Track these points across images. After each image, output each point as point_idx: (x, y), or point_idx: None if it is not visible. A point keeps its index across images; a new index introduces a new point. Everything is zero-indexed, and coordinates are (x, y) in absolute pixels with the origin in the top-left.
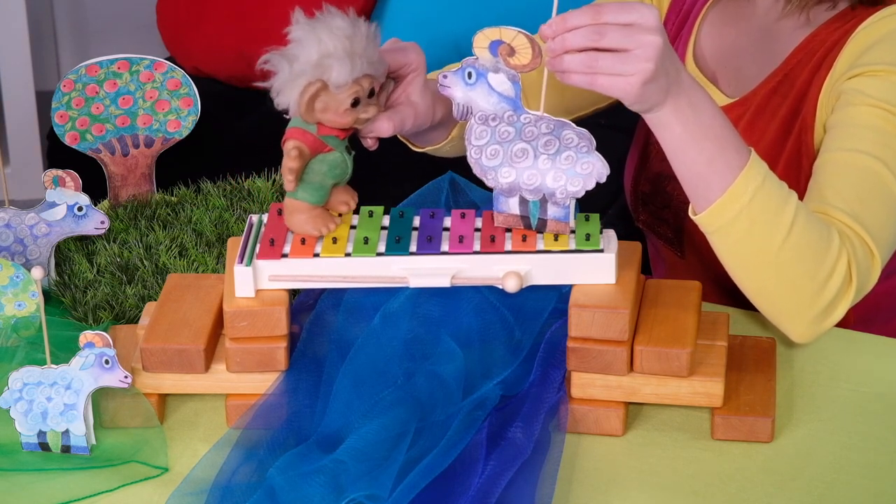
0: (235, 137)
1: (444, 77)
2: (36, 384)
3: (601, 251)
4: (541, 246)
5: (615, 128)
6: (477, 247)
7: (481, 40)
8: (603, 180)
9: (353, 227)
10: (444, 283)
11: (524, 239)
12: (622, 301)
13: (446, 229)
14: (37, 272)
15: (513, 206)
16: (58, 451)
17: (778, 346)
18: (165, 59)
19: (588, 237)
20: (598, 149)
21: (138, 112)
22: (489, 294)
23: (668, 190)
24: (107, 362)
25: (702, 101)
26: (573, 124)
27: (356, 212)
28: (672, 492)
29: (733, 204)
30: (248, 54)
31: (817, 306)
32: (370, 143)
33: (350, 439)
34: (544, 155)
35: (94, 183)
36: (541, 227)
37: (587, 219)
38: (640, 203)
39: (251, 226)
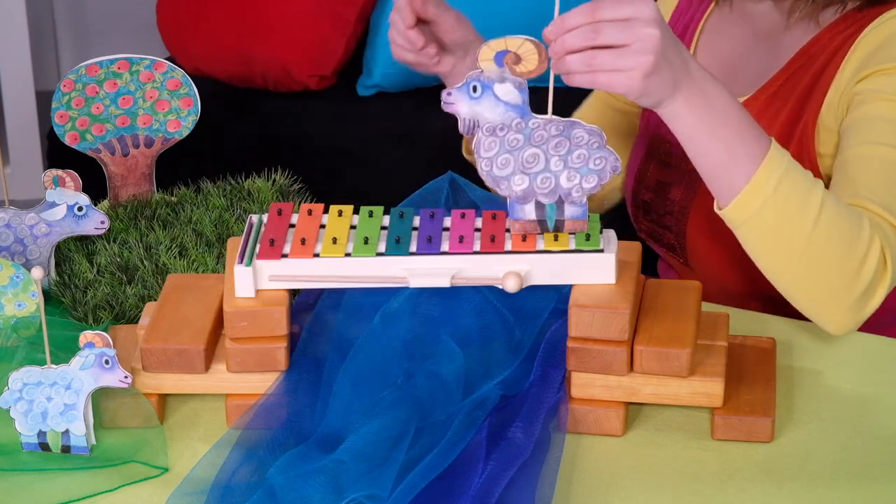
0: (235, 137)
1: (448, 94)
2: (36, 384)
3: (601, 251)
4: (541, 246)
5: None
6: (477, 247)
7: (487, 53)
8: (618, 172)
9: (353, 227)
10: (444, 283)
11: (524, 239)
12: (622, 301)
13: (446, 229)
14: (37, 272)
15: (529, 212)
16: (58, 451)
17: (778, 346)
18: (165, 59)
19: (588, 237)
20: None
21: (138, 112)
22: (489, 294)
23: (669, 196)
24: (107, 362)
25: (715, 91)
26: (583, 122)
27: (356, 212)
28: (672, 492)
29: (758, 193)
30: (248, 54)
31: (854, 293)
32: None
33: (350, 439)
34: (556, 157)
35: (94, 183)
36: (559, 227)
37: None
38: (641, 212)
39: (251, 226)
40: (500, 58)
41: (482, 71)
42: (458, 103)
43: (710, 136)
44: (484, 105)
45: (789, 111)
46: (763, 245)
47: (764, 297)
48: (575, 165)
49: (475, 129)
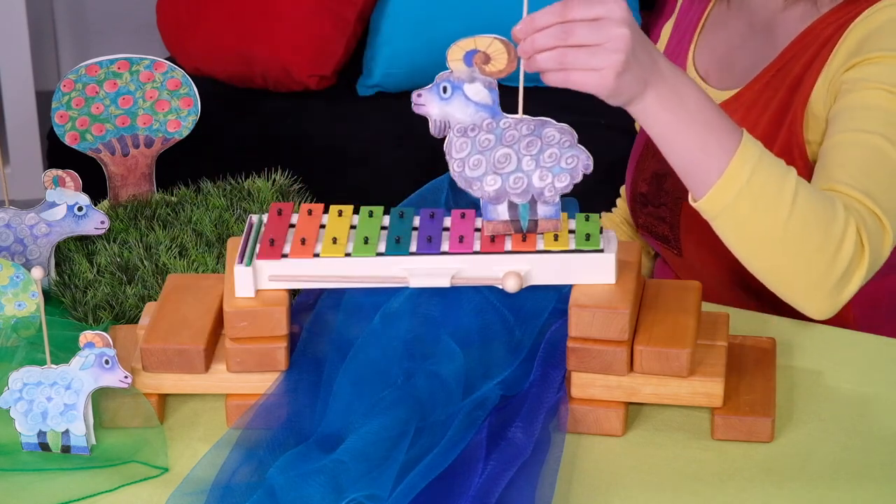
0: (235, 137)
1: (419, 95)
2: (36, 384)
3: (601, 251)
4: (541, 246)
5: (615, 128)
6: (477, 247)
7: (455, 52)
8: (589, 171)
9: (353, 227)
10: (444, 283)
11: (524, 239)
12: (622, 301)
13: (446, 229)
14: (37, 272)
15: (501, 212)
16: (58, 451)
17: (778, 346)
18: (165, 59)
19: (588, 237)
20: (599, 149)
21: (138, 112)
22: (489, 294)
23: (665, 187)
24: (107, 362)
25: (685, 87)
26: (554, 121)
27: (356, 212)
28: (672, 492)
29: (732, 185)
30: (248, 54)
31: (832, 277)
32: None
33: (350, 439)
34: (528, 156)
35: (94, 183)
36: (532, 228)
37: (587, 219)
38: (638, 204)
39: (251, 226)
40: (469, 57)
41: (451, 71)
42: (428, 104)
43: (682, 133)
44: (454, 106)
45: (780, 100)
46: (739, 235)
47: (756, 290)
48: (547, 165)
49: (446, 130)
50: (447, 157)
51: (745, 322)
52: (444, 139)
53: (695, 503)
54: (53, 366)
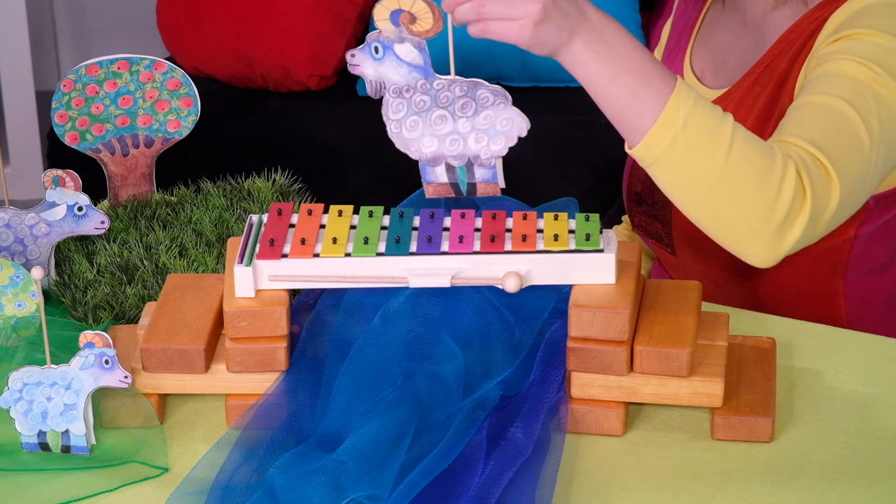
0: (235, 137)
1: (352, 56)
2: (36, 384)
3: (601, 251)
4: (541, 246)
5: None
6: (477, 247)
7: (381, 12)
8: (524, 133)
9: (353, 227)
10: (444, 283)
11: (524, 239)
12: (622, 301)
13: (446, 229)
14: (37, 272)
15: (440, 174)
16: (58, 451)
17: (778, 346)
18: (165, 59)
19: (588, 237)
20: (598, 149)
21: (138, 112)
22: (489, 294)
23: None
24: (107, 362)
25: (615, 36)
26: (486, 83)
27: (356, 212)
28: (672, 492)
29: (667, 130)
30: (248, 54)
31: (773, 223)
32: None
33: (350, 439)
34: (463, 118)
35: (94, 183)
36: (471, 191)
37: (587, 219)
38: (634, 204)
39: (251, 226)
40: (395, 17)
41: (380, 31)
42: (362, 65)
43: (614, 81)
44: (387, 66)
45: (767, 96)
46: (676, 181)
47: (750, 288)
48: (482, 127)
49: (382, 90)
50: (384, 119)
51: (745, 322)
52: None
53: (695, 503)
54: (53, 366)
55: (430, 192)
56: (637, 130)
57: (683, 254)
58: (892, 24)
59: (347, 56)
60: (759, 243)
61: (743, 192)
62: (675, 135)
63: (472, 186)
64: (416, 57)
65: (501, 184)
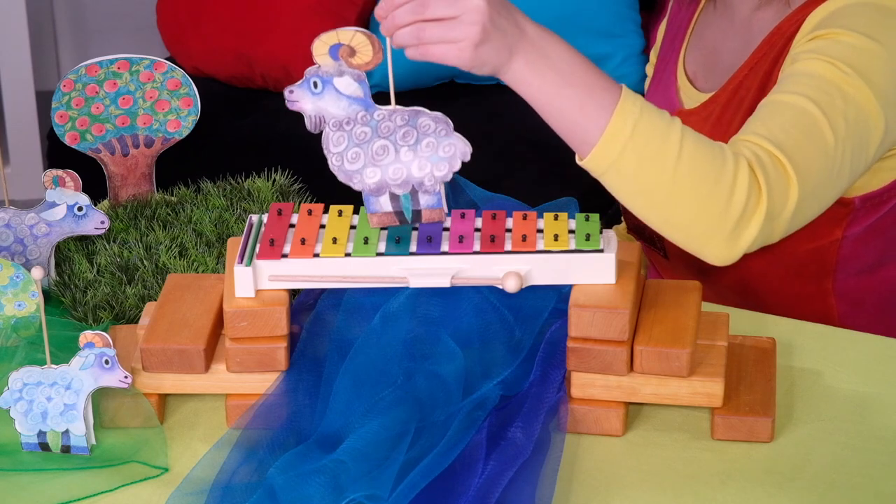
0: (235, 137)
1: (291, 92)
2: (36, 384)
3: (601, 251)
4: (541, 246)
5: None
6: (477, 247)
7: (320, 47)
8: (467, 159)
9: (353, 227)
10: (444, 283)
11: (524, 239)
12: (622, 301)
13: (446, 229)
14: (37, 272)
15: (384, 204)
16: (58, 451)
17: (778, 346)
18: (165, 59)
19: (588, 237)
20: None
21: (138, 112)
22: (489, 294)
23: None
24: (107, 362)
25: (556, 51)
26: (427, 110)
27: (356, 212)
28: (672, 492)
29: (615, 141)
30: (248, 54)
31: (728, 222)
32: None
33: (350, 439)
34: (405, 147)
35: (94, 183)
36: (416, 218)
37: (587, 219)
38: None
39: (251, 226)
40: (334, 51)
41: (319, 66)
42: (301, 101)
43: (558, 96)
44: (327, 100)
45: (752, 98)
46: (629, 189)
47: (742, 291)
48: (425, 154)
49: (322, 125)
50: (325, 152)
51: (745, 322)
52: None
53: (695, 503)
54: (53, 366)
55: (374, 221)
56: (585, 143)
57: (676, 258)
58: (867, 24)
59: (285, 92)
60: (716, 243)
61: (695, 194)
62: (624, 145)
63: (417, 214)
64: (356, 90)
65: (446, 209)
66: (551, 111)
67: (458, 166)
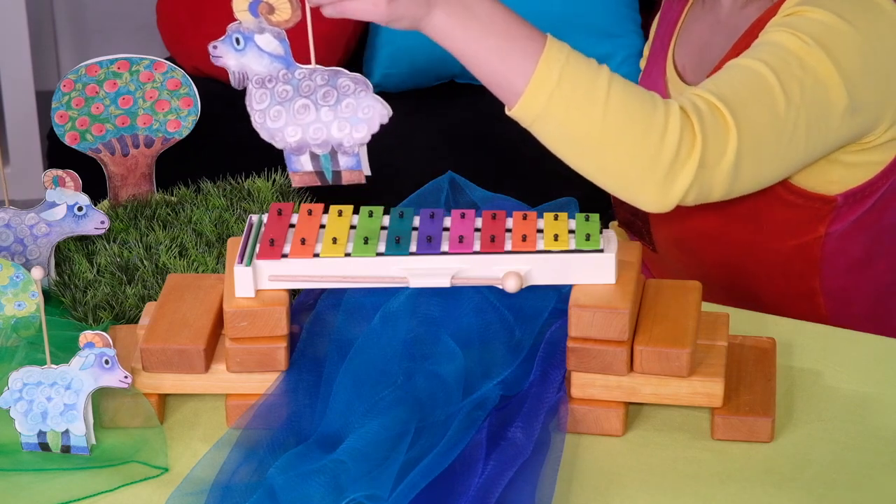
0: (235, 137)
1: (214, 48)
2: (36, 384)
3: (601, 251)
4: (541, 246)
5: None
6: (477, 247)
7: (240, 3)
8: (385, 121)
9: (353, 227)
10: (444, 283)
11: (524, 239)
12: (622, 301)
13: (446, 229)
14: (37, 272)
15: (305, 163)
16: (58, 451)
17: (778, 346)
18: (165, 59)
19: (588, 237)
20: None
21: (138, 112)
22: (489, 294)
23: None
24: (107, 362)
25: (476, 2)
26: (346, 71)
27: (356, 212)
28: (672, 492)
29: (541, 90)
30: None
31: (661, 166)
32: None
33: (350, 439)
34: (325, 107)
35: (94, 183)
36: (336, 179)
37: (587, 219)
38: (618, 199)
39: (251, 226)
40: (254, 8)
41: (240, 22)
42: (224, 56)
43: (481, 46)
44: (249, 57)
45: None
46: (559, 138)
47: (731, 286)
48: (344, 115)
49: (245, 81)
50: (248, 109)
51: (745, 322)
52: (444, 139)
53: (695, 503)
54: (53, 366)
55: (296, 180)
56: (512, 93)
57: (664, 251)
58: (840, 5)
59: (209, 48)
60: (649, 189)
61: (626, 139)
62: (551, 92)
63: (337, 174)
64: (276, 47)
65: (366, 171)
66: (476, 62)
67: (376, 128)
